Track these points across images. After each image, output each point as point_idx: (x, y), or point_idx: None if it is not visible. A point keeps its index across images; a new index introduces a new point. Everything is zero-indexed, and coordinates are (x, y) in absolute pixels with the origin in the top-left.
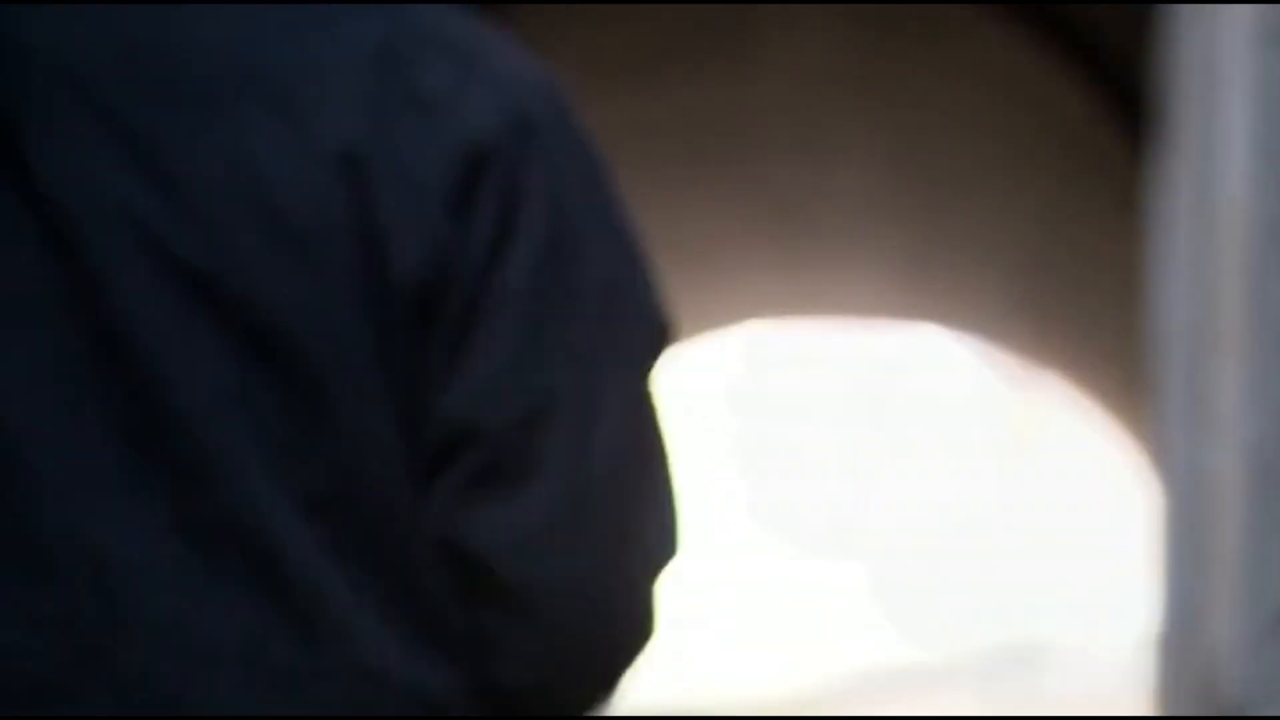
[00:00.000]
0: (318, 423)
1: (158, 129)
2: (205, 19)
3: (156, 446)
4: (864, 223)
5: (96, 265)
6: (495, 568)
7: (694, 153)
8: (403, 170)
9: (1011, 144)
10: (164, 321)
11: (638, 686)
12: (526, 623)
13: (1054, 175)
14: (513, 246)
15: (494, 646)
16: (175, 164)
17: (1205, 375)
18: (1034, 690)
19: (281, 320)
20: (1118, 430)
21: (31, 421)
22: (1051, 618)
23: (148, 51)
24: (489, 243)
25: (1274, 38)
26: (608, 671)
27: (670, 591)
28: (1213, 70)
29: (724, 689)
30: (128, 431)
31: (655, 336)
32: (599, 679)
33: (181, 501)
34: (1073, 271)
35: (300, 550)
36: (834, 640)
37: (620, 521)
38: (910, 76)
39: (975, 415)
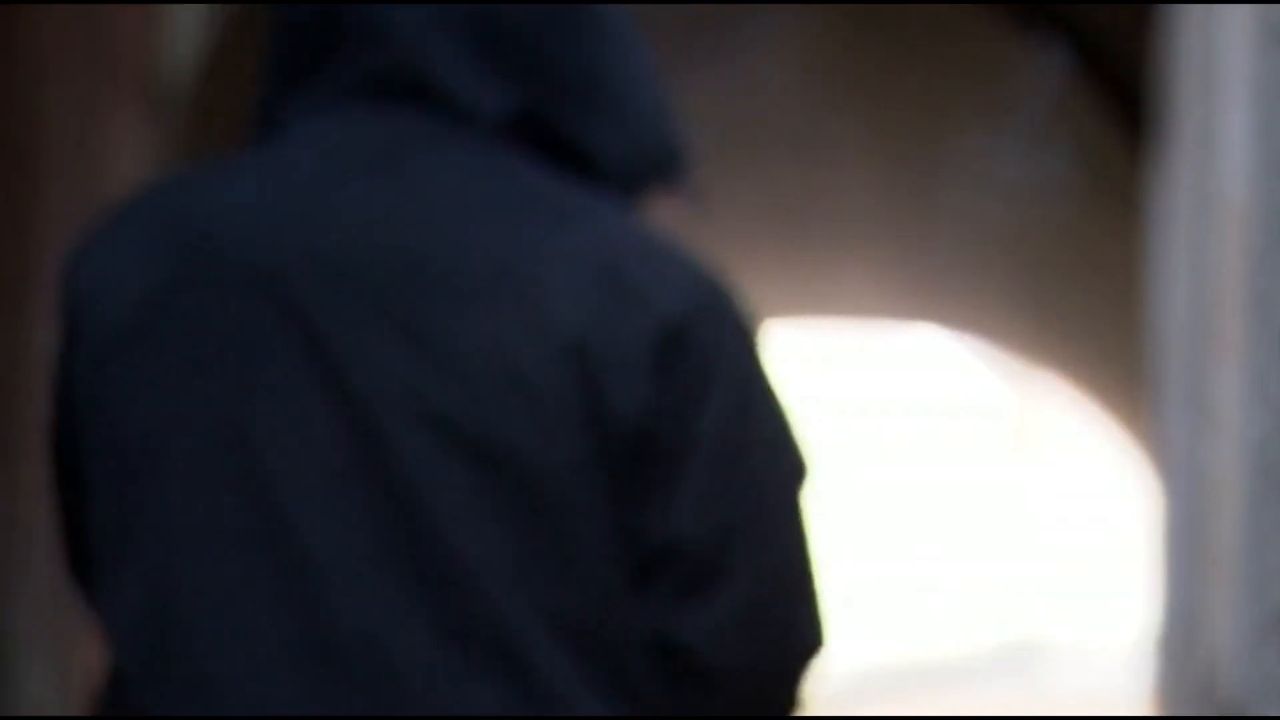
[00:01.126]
0: (559, 546)
1: (428, 319)
2: (458, 222)
3: (430, 566)
4: (864, 223)
5: (384, 428)
6: (698, 655)
7: (694, 153)
8: (617, 350)
9: (1011, 144)
10: (440, 472)
11: None
12: (720, 696)
13: (1054, 175)
14: (704, 406)
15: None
16: (444, 349)
17: (1205, 375)
18: (1034, 689)
19: (530, 467)
20: (1118, 430)
21: (330, 543)
22: (1051, 617)
23: (415, 254)
24: (685, 403)
25: (1274, 38)
26: None
27: None
28: (1213, 70)
29: None
30: (409, 554)
31: (803, 474)
32: None
33: (447, 610)
34: (1073, 271)
35: (541, 651)
36: (834, 640)
37: (787, 617)
38: (908, 76)
39: (975, 415)
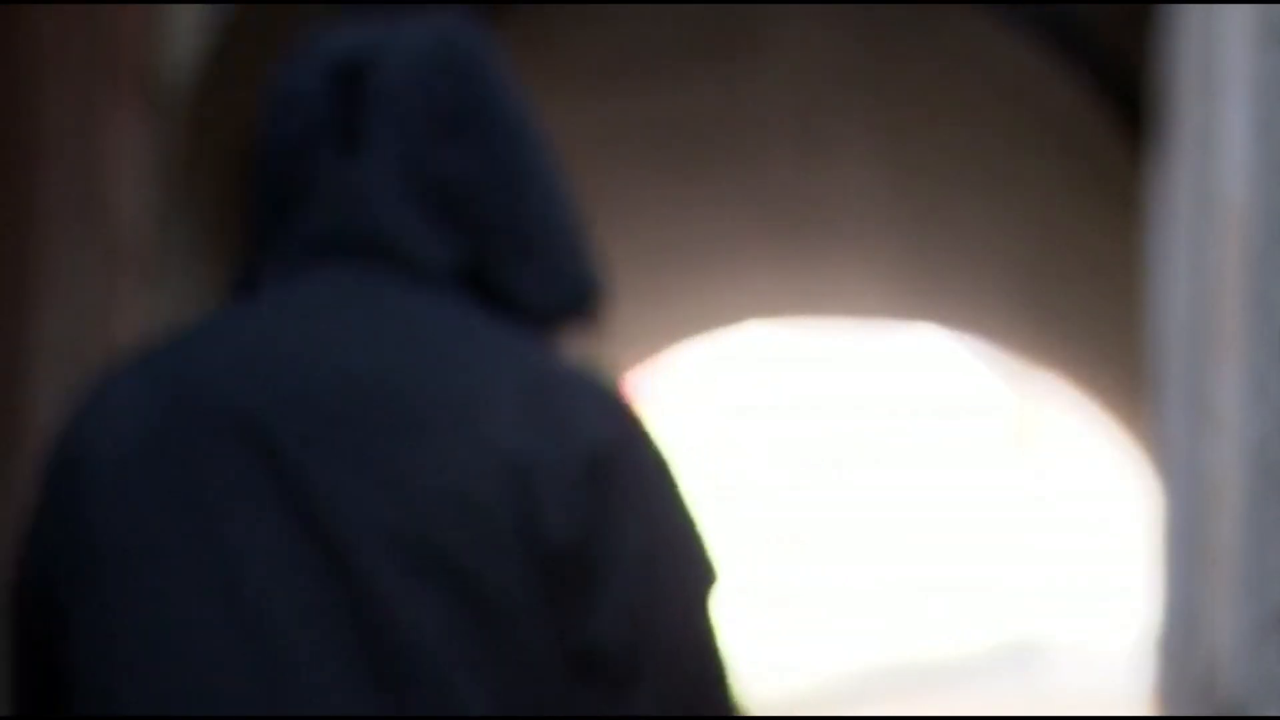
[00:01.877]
0: (506, 644)
1: (384, 449)
2: (408, 362)
3: (394, 665)
4: (864, 223)
5: (350, 546)
6: None
7: (694, 153)
8: (550, 474)
9: (1011, 144)
10: (401, 583)
11: None
12: None
13: (1054, 175)
14: (625, 524)
15: None
16: (398, 474)
17: (1205, 375)
18: (1034, 689)
19: (478, 577)
20: (1118, 430)
21: (302, 646)
22: (1051, 617)
23: (370, 391)
24: (609, 521)
25: (1274, 38)
26: None
27: None
28: (1213, 70)
29: None
30: (375, 656)
31: (712, 581)
32: None
33: (411, 699)
34: (1073, 271)
35: None
36: (834, 640)
37: (704, 705)
38: (910, 76)
39: (975, 415)
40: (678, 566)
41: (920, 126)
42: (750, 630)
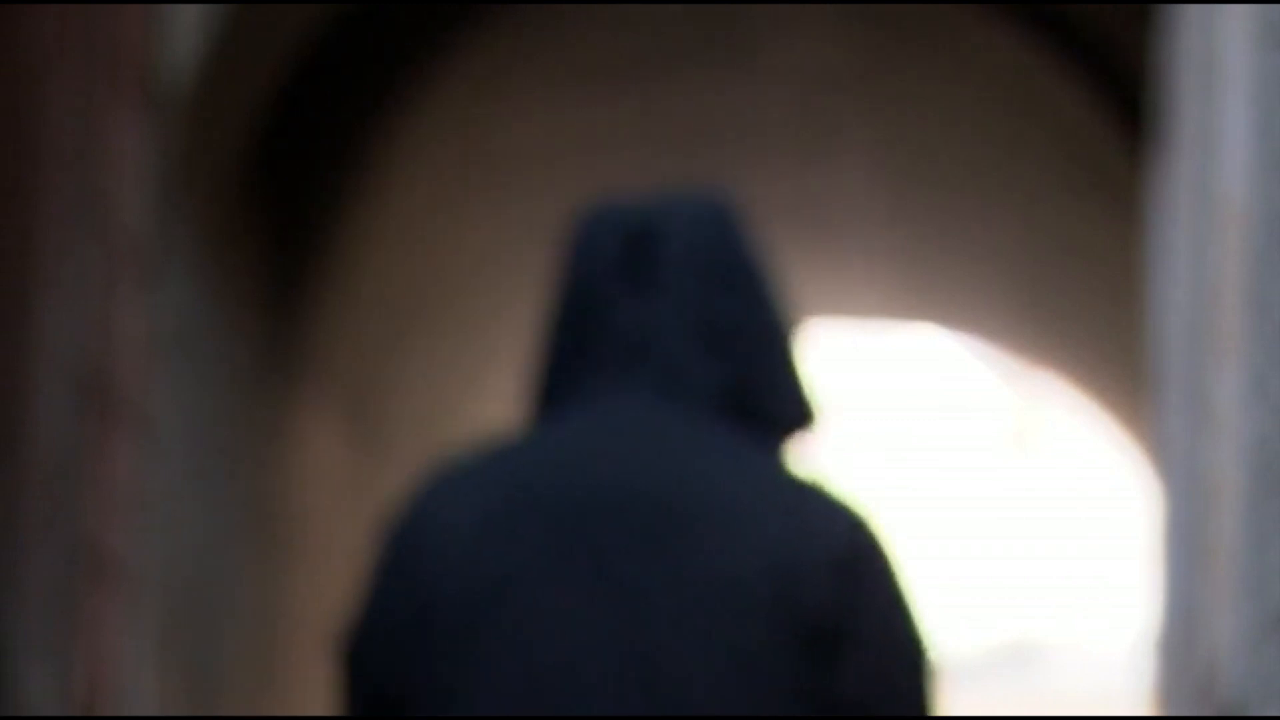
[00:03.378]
0: (766, 699)
1: (672, 541)
2: (689, 472)
3: (667, 704)
4: (864, 223)
5: (645, 618)
6: None
7: (694, 155)
8: (803, 569)
9: (1011, 144)
10: (686, 646)
11: None
12: None
13: (1054, 175)
14: (864, 609)
15: None
16: (683, 562)
17: (1205, 375)
18: (1033, 688)
19: (748, 644)
20: (1118, 430)
21: (589, 691)
22: (1051, 617)
23: (660, 495)
24: (851, 606)
25: (1274, 38)
26: None
27: None
28: (1212, 70)
29: None
30: (653, 700)
31: (929, 653)
32: None
33: None
34: (1073, 272)
35: None
36: None
37: None
38: (910, 77)
39: (975, 415)
40: (905, 642)
41: (920, 127)
42: None
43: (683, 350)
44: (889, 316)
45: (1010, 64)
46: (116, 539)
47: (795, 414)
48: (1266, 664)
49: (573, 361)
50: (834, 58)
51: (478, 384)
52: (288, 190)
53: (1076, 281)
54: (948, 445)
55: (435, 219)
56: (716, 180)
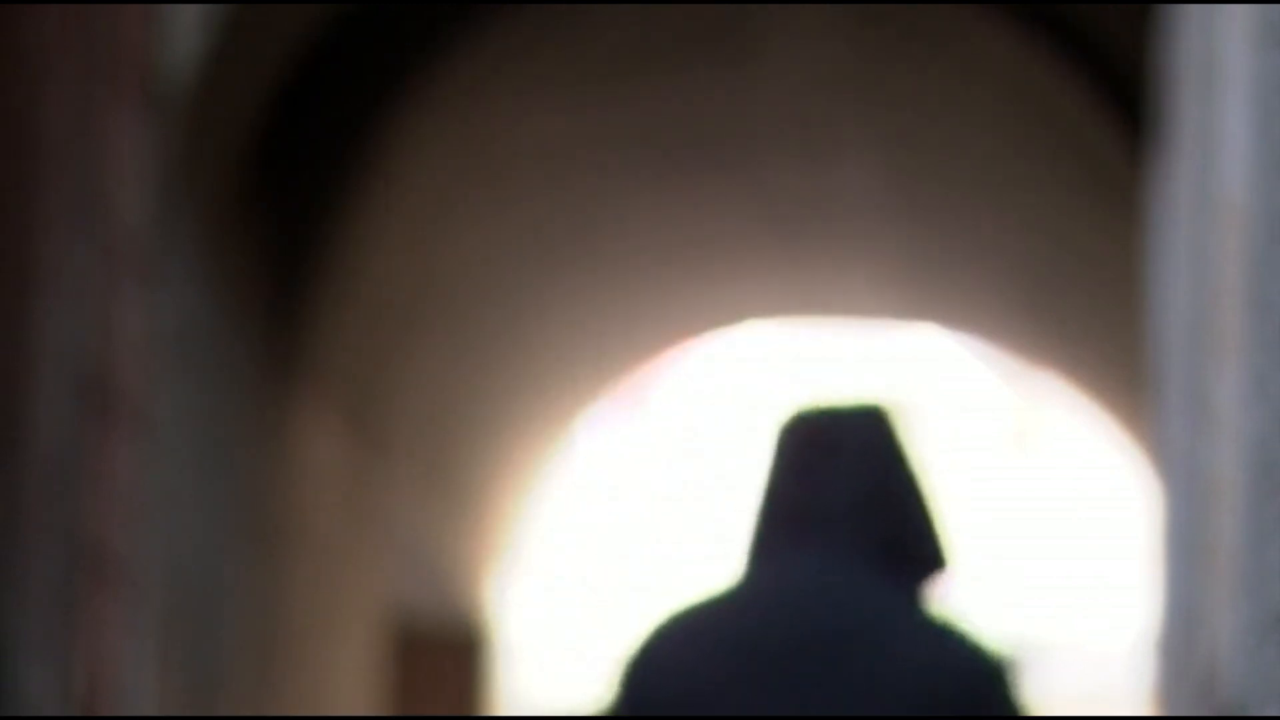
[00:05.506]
0: None
1: (847, 667)
2: (862, 614)
3: None
4: (864, 223)
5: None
6: None
7: (695, 155)
8: (948, 693)
9: (1011, 144)
10: None
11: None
12: None
13: (1054, 175)
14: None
15: None
16: (855, 685)
17: (1205, 375)
18: (1033, 687)
19: None
20: (1118, 430)
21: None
22: (1051, 617)
23: (839, 633)
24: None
25: (1274, 38)
26: None
27: (671, 594)
28: (1212, 70)
29: None
30: None
31: None
32: None
33: None
34: (1073, 271)
35: None
36: None
37: None
38: (910, 77)
39: (975, 415)
40: None
41: (920, 127)
42: None
43: (854, 516)
44: (889, 316)
45: (1010, 64)
46: (116, 539)
47: (937, 558)
48: (1266, 664)
49: (771, 529)
50: (834, 58)
51: (478, 384)
52: (287, 190)
53: (1076, 281)
54: (947, 445)
55: (435, 219)
56: (718, 181)
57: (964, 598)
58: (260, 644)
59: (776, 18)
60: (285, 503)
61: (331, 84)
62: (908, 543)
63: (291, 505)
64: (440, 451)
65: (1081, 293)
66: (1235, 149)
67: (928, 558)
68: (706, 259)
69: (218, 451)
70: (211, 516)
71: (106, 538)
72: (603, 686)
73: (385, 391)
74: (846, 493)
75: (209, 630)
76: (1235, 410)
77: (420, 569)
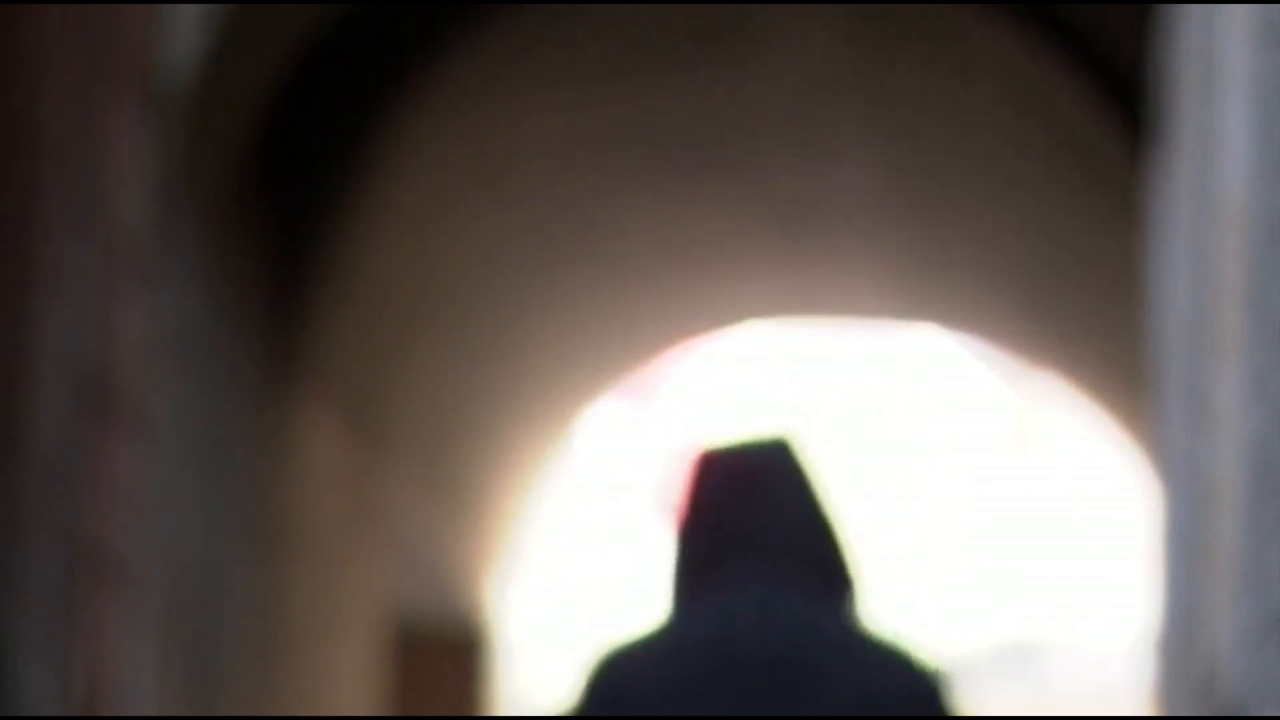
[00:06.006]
0: None
1: (807, 685)
2: (805, 634)
3: None
4: (864, 223)
5: None
6: None
7: (695, 154)
8: (895, 702)
9: (1011, 144)
10: None
11: None
12: None
13: (1054, 175)
14: None
15: None
16: (815, 699)
17: (1205, 375)
18: (1033, 688)
19: None
20: (1118, 430)
21: None
22: (1051, 617)
23: (793, 654)
24: None
25: (1274, 38)
26: None
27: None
28: (1212, 70)
29: None
30: None
31: None
32: None
33: None
34: (1073, 271)
35: None
36: None
37: None
38: (910, 77)
39: (975, 415)
40: None
41: (920, 127)
42: None
43: (782, 543)
44: (889, 316)
45: (1011, 64)
46: (116, 539)
47: (855, 576)
48: (1266, 664)
49: (704, 562)
50: (835, 57)
51: (478, 384)
52: (288, 190)
53: (1076, 281)
54: (948, 445)
55: (435, 219)
56: (718, 180)
57: (964, 598)
58: (260, 644)
59: (776, 18)
60: (285, 503)
61: (331, 84)
62: (831, 564)
63: (291, 505)
64: (440, 451)
65: (1081, 293)
66: (1235, 149)
67: (849, 577)
68: (706, 259)
69: (218, 451)
70: (211, 516)
71: (106, 538)
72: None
73: (385, 391)
74: (773, 521)
75: (209, 630)
76: (1235, 410)
77: (420, 569)
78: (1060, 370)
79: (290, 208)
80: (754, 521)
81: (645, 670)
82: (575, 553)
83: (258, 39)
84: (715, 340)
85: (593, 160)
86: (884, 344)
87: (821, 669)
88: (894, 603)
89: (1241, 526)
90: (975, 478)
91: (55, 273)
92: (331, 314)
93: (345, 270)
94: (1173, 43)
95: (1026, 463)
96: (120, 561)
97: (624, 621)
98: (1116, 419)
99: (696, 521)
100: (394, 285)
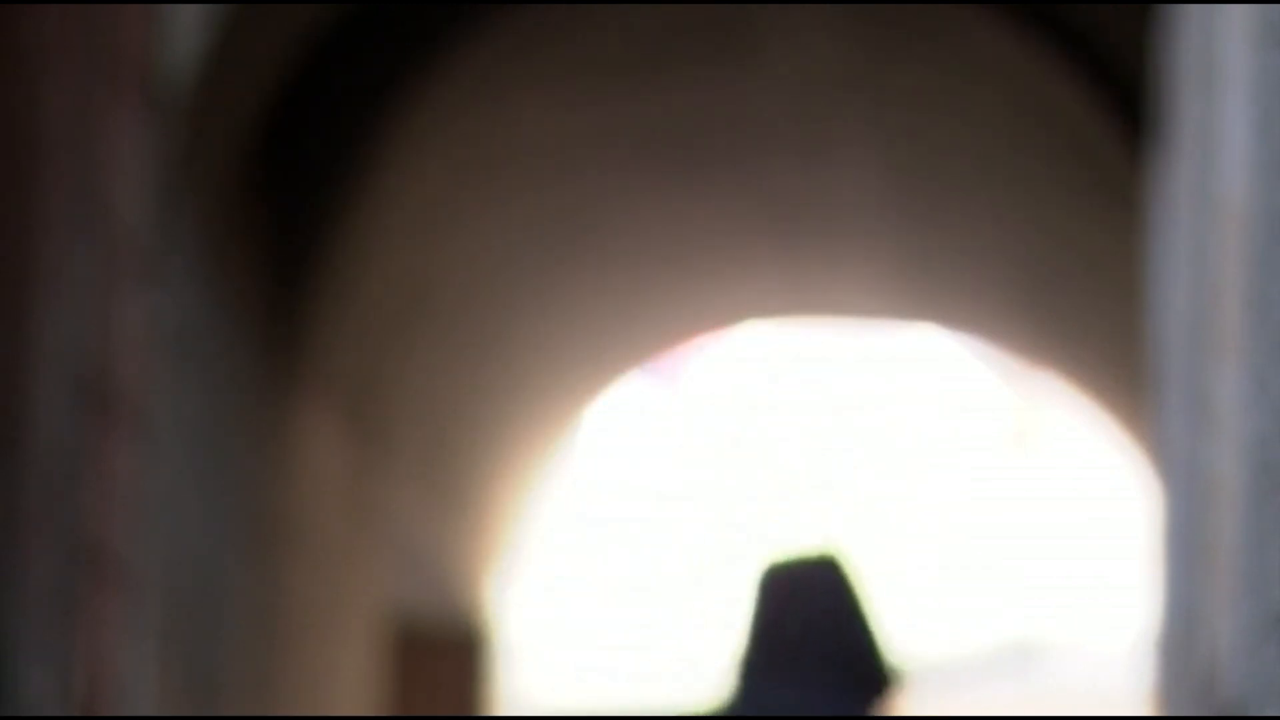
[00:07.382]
0: None
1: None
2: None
3: None
4: (864, 223)
5: None
6: None
7: (695, 154)
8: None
9: (1011, 144)
10: None
11: (642, 687)
12: None
13: (1054, 175)
14: None
15: None
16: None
17: (1205, 375)
18: (1033, 688)
19: None
20: (1118, 430)
21: None
22: (1051, 616)
23: None
24: None
25: (1274, 38)
26: None
27: (672, 594)
28: (1212, 70)
29: None
30: None
31: None
32: None
33: None
34: (1073, 271)
35: None
36: None
37: None
38: (910, 77)
39: (974, 415)
40: None
41: (920, 127)
42: None
43: (821, 648)
44: (889, 316)
45: (1010, 63)
46: (116, 539)
47: (890, 676)
48: (1266, 664)
49: (757, 661)
50: (834, 57)
51: (478, 383)
52: (288, 190)
53: (1076, 281)
54: (948, 445)
55: (436, 218)
56: (718, 180)
57: (964, 598)
58: (260, 644)
59: (776, 17)
60: (285, 503)
61: (331, 84)
62: (863, 667)
63: (291, 505)
64: (440, 451)
65: (1081, 293)
66: (1235, 149)
67: (882, 677)
68: (706, 259)
69: (218, 451)
70: (211, 516)
71: (106, 538)
72: None
73: (385, 391)
74: (815, 630)
75: (209, 630)
76: (1235, 410)
77: (420, 569)
78: (1060, 370)
79: (290, 207)
80: (797, 629)
81: None
82: (575, 553)
83: (258, 39)
84: (715, 340)
85: (592, 159)
86: (884, 344)
87: None
88: (894, 603)
89: (1241, 526)
90: (975, 477)
91: (55, 273)
92: (331, 313)
93: (345, 270)
94: (1173, 43)
95: (1026, 463)
96: (120, 561)
97: (624, 621)
98: (1116, 419)
99: (755, 626)
100: (394, 285)
